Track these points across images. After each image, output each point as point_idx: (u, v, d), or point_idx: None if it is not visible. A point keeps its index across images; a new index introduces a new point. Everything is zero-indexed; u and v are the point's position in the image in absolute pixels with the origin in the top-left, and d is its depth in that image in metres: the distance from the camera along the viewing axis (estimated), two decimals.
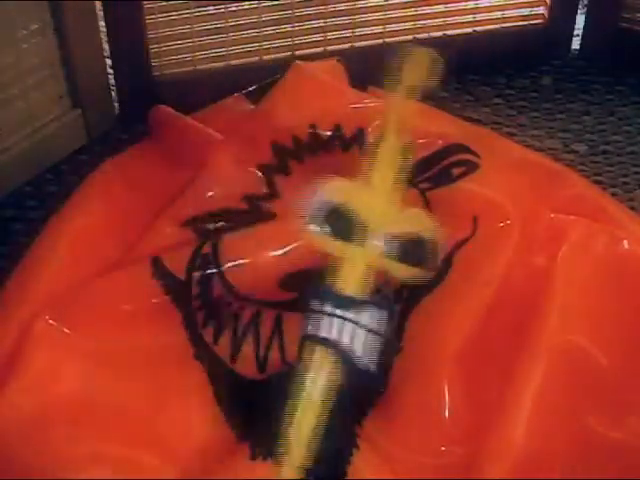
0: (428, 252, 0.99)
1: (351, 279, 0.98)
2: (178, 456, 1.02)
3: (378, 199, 1.01)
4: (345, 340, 0.96)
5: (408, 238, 0.99)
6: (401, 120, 1.05)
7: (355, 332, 0.96)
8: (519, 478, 0.98)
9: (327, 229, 0.99)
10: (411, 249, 0.99)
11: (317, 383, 0.95)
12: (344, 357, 0.95)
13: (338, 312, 0.96)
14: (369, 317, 0.97)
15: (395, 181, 1.02)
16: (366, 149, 1.08)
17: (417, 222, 1.01)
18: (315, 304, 0.98)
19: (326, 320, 0.96)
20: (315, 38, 1.67)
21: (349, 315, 0.96)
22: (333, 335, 0.96)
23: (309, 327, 0.98)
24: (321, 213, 0.99)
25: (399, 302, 1.10)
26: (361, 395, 1.08)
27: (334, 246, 0.99)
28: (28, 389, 1.02)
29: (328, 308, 0.97)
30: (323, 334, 0.96)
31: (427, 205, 1.12)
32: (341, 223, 0.99)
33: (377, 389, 1.06)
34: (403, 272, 0.99)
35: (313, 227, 0.99)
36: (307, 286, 1.00)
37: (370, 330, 0.97)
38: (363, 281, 0.98)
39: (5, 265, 1.18)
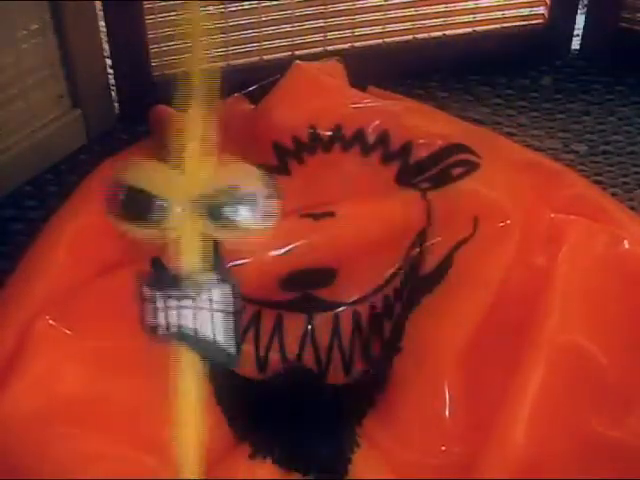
0: (251, 200, 0.89)
1: (182, 259, 0.88)
2: None
3: (185, 173, 0.90)
4: (190, 325, 0.88)
5: (221, 195, 0.88)
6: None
7: (199, 315, 0.88)
8: (519, 478, 0.98)
9: (131, 217, 0.89)
10: (228, 204, 0.88)
11: (186, 378, 0.90)
12: (193, 344, 0.88)
13: (176, 297, 0.88)
14: (212, 296, 0.88)
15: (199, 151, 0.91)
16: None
17: (235, 177, 0.91)
18: (152, 293, 0.89)
19: (166, 309, 0.88)
20: (315, 38, 1.67)
21: (189, 298, 0.87)
22: (174, 322, 0.88)
23: (153, 319, 0.89)
24: (121, 202, 0.89)
25: (398, 302, 1.10)
26: (361, 395, 1.08)
27: (146, 233, 0.89)
28: (28, 389, 1.02)
29: (165, 295, 0.88)
30: (166, 323, 0.88)
31: (427, 205, 1.12)
32: (143, 206, 0.88)
33: (233, 366, 0.99)
34: (228, 232, 0.89)
35: (115, 218, 0.89)
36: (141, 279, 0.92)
37: (216, 309, 0.88)
38: (195, 258, 0.88)
39: (5, 265, 1.18)
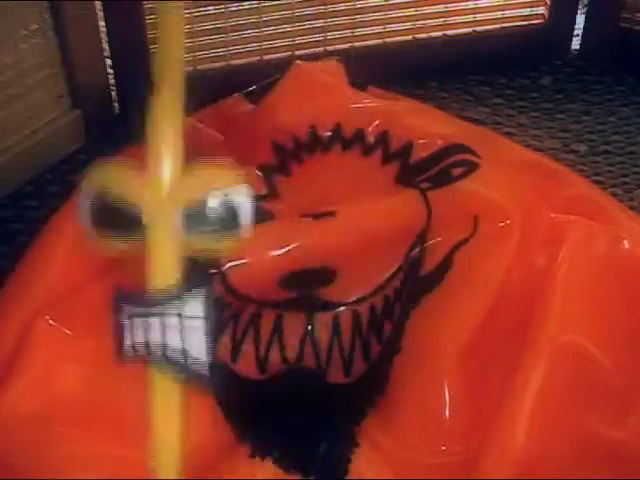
0: (232, 210, 0.84)
1: (156, 272, 0.84)
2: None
3: (155, 177, 0.84)
4: (173, 342, 0.84)
5: (201, 204, 0.83)
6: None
7: (181, 328, 0.84)
8: (519, 478, 0.98)
9: (105, 228, 0.84)
10: (210, 214, 0.83)
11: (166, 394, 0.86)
12: (172, 361, 0.84)
13: (155, 312, 0.83)
14: (184, 310, 0.84)
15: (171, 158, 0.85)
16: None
17: (208, 182, 0.85)
18: (130, 310, 0.85)
19: (145, 324, 0.84)
20: (315, 38, 1.67)
21: (168, 311, 0.83)
22: (156, 339, 0.84)
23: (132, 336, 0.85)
24: (91, 211, 0.84)
25: (398, 302, 1.10)
26: (361, 395, 1.08)
27: (119, 246, 0.85)
28: (28, 389, 1.02)
29: (143, 310, 0.84)
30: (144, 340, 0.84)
31: (427, 205, 1.12)
32: (117, 216, 0.83)
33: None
34: (210, 244, 0.85)
35: (88, 228, 0.84)
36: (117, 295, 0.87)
37: (187, 323, 0.84)
38: (170, 270, 0.84)
39: (5, 265, 1.18)
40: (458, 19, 1.74)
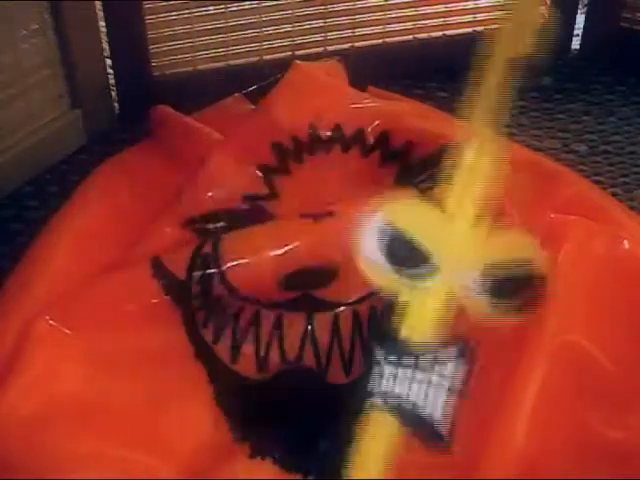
0: (527, 284, 0.80)
1: (422, 323, 0.81)
2: (178, 456, 1.02)
3: (454, 226, 0.81)
4: (411, 397, 0.80)
5: (499, 271, 0.79)
6: (486, 145, 0.87)
7: (424, 388, 0.80)
8: (519, 478, 0.98)
9: (390, 261, 0.80)
10: (504, 284, 0.79)
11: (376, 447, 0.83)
12: (406, 416, 0.81)
13: (404, 365, 0.80)
14: (441, 370, 0.80)
15: (475, 207, 0.82)
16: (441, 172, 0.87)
17: (509, 250, 0.81)
18: (380, 355, 0.82)
19: (390, 374, 0.81)
20: (315, 38, 1.67)
21: (417, 368, 0.80)
22: (395, 391, 0.81)
23: (373, 383, 0.83)
24: (382, 240, 0.81)
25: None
26: (361, 395, 1.08)
27: (400, 284, 0.81)
28: (28, 389, 1.02)
29: (392, 359, 0.80)
30: (384, 390, 0.81)
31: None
32: (407, 253, 0.80)
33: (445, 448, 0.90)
34: (496, 311, 0.80)
35: (372, 256, 0.81)
36: (373, 336, 0.86)
37: (441, 385, 0.81)
38: (437, 326, 0.80)
39: (5, 265, 1.18)
40: (458, 19, 1.74)
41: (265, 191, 1.20)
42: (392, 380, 0.81)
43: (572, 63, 1.80)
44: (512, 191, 1.14)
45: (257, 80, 1.36)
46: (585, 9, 1.80)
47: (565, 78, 1.76)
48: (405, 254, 0.80)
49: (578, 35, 1.82)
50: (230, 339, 1.10)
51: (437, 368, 0.80)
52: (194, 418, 1.06)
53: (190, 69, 1.62)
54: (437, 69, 1.73)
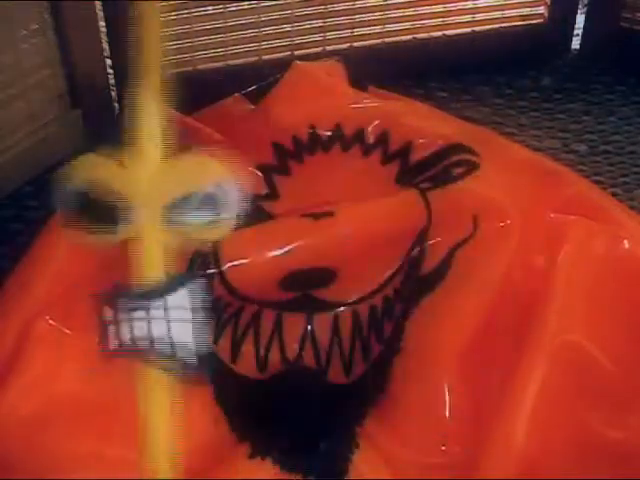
0: (222, 200, 0.82)
1: (146, 266, 0.82)
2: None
3: (139, 170, 0.81)
4: (159, 333, 0.82)
5: (185, 196, 0.81)
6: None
7: (167, 319, 0.82)
8: (519, 478, 0.98)
9: (87, 220, 0.82)
10: (199, 205, 0.81)
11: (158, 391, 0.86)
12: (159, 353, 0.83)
13: (143, 307, 0.82)
14: (179, 300, 0.82)
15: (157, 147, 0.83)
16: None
17: (196, 174, 0.83)
18: (122, 305, 0.84)
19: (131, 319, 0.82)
20: (315, 38, 1.67)
21: (154, 304, 0.81)
22: (143, 333, 0.82)
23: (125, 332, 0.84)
24: (72, 203, 0.83)
25: (398, 302, 1.10)
26: (361, 395, 1.08)
27: (101, 239, 0.82)
28: (28, 389, 1.02)
29: (133, 306, 0.82)
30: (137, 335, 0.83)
31: (427, 205, 1.12)
32: (99, 208, 0.81)
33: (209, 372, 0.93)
34: (200, 234, 0.83)
35: (68, 221, 0.83)
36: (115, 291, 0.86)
37: (175, 316, 0.82)
38: (159, 262, 0.83)
39: (5, 265, 1.18)
40: (457, 19, 1.75)
41: (265, 191, 1.20)
42: (139, 325, 0.82)
43: (572, 63, 1.80)
44: (512, 191, 1.14)
45: (256, 80, 1.36)
46: (585, 9, 1.80)
47: (565, 78, 1.76)
48: (98, 209, 0.81)
49: (578, 35, 1.82)
50: (230, 339, 1.10)
51: (170, 301, 0.81)
52: (194, 418, 1.06)
53: (190, 69, 1.62)
54: (437, 69, 1.73)
